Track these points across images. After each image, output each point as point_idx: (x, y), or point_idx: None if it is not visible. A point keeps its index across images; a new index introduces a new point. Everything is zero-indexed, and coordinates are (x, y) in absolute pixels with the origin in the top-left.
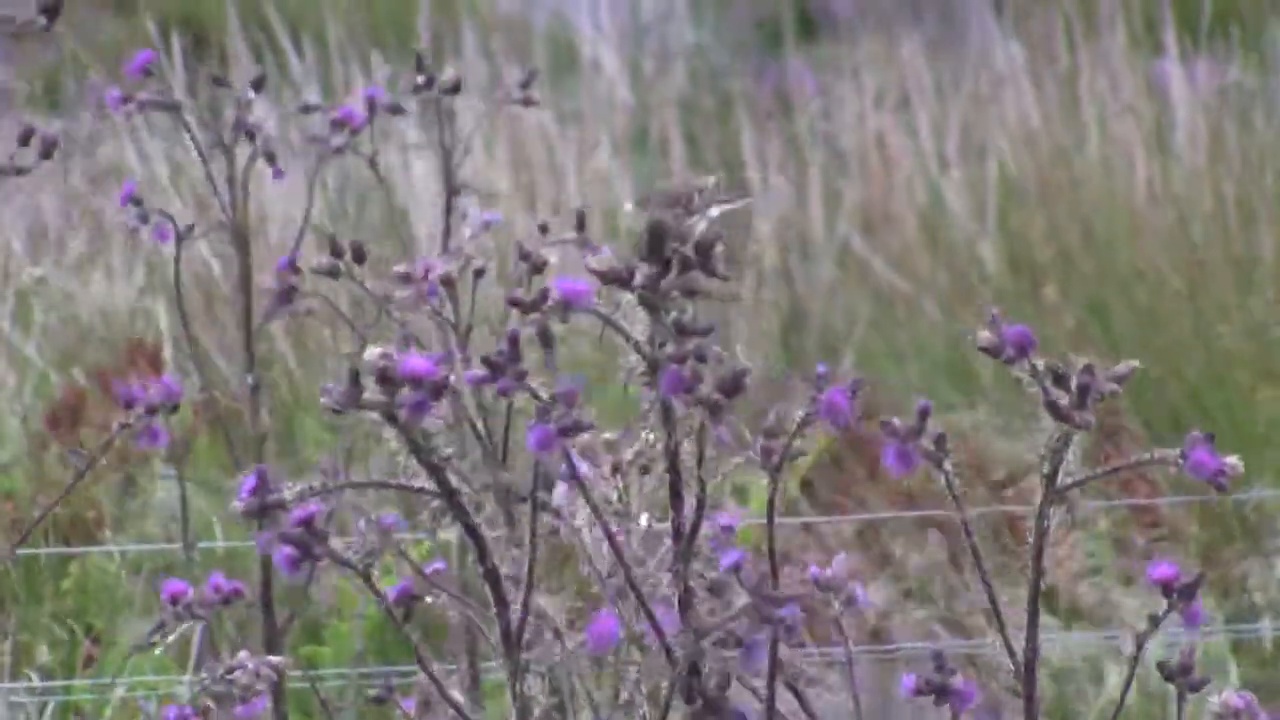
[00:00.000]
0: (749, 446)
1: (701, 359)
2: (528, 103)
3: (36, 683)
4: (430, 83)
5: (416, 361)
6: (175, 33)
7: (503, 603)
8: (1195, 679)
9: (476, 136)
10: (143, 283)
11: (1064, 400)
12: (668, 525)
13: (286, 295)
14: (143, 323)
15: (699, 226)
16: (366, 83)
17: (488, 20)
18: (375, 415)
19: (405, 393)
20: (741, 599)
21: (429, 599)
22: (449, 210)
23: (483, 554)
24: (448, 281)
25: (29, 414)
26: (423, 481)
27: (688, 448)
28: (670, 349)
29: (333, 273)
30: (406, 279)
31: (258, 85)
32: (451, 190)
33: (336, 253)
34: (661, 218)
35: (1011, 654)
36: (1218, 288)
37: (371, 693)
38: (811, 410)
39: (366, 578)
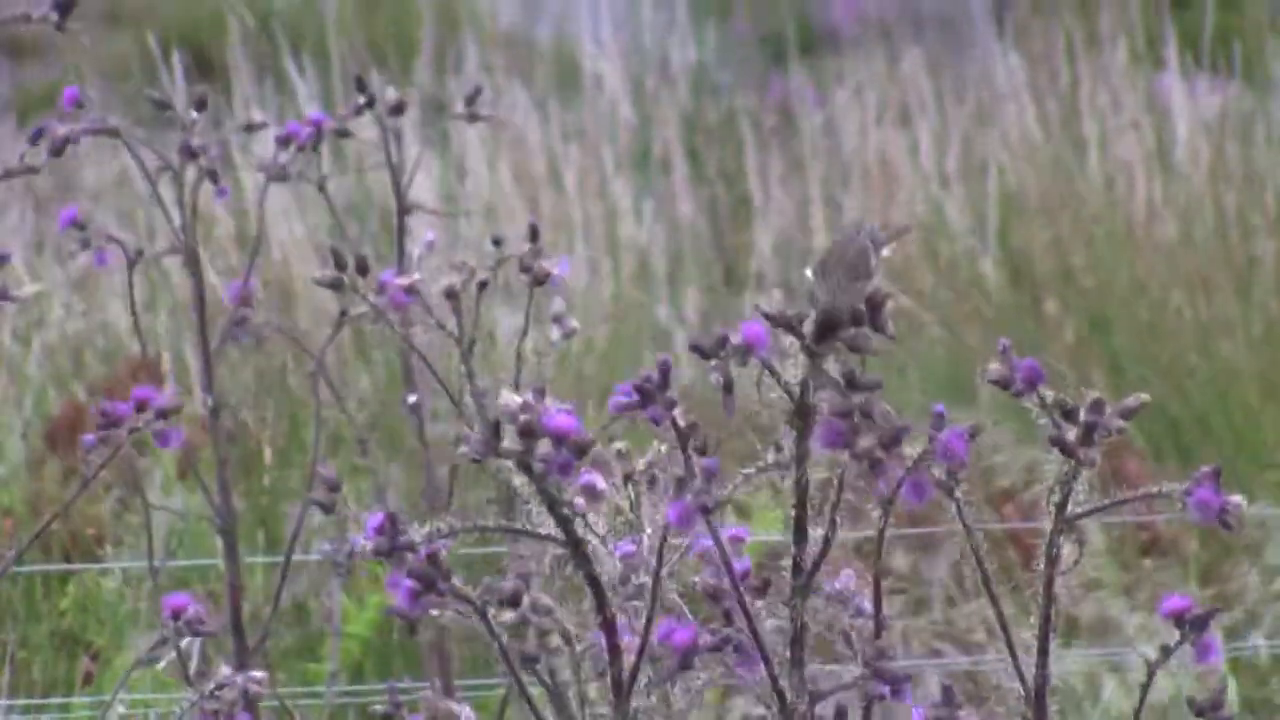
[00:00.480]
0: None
1: (867, 414)
2: (473, 118)
3: (35, 700)
4: (371, 102)
5: (562, 418)
6: (176, 49)
7: (615, 650)
8: (1224, 714)
9: (480, 152)
10: (145, 299)
11: (1071, 435)
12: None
13: (240, 323)
14: (139, 342)
15: (872, 286)
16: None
17: (490, 36)
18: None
19: (546, 448)
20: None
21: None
22: (401, 230)
23: (601, 603)
24: (451, 295)
25: (28, 430)
26: (548, 529)
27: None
28: (834, 399)
29: (335, 285)
30: (410, 291)
31: (200, 106)
32: (402, 209)
33: (340, 265)
34: (836, 305)
35: (1023, 680)
36: (1219, 303)
37: (378, 708)
38: (929, 450)
39: (483, 614)
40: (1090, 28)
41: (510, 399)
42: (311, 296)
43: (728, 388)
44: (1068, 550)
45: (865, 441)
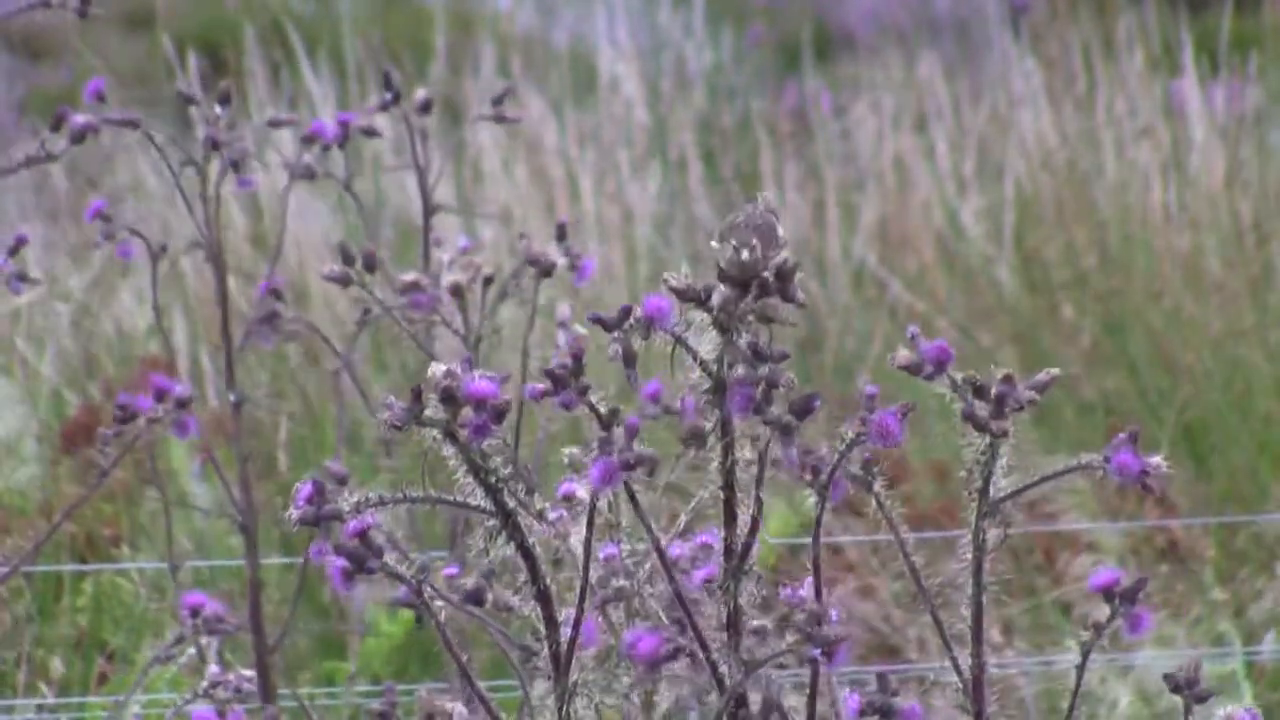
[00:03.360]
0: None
1: (774, 384)
2: (500, 119)
3: (51, 700)
4: (397, 98)
5: (481, 383)
6: (192, 52)
7: (553, 624)
8: (1202, 691)
9: (496, 155)
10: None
11: (984, 411)
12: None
13: (267, 319)
14: (158, 340)
15: (780, 255)
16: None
17: (506, 38)
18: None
19: (467, 413)
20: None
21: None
22: (427, 229)
23: (535, 575)
24: (456, 292)
25: (44, 432)
26: (479, 500)
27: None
28: (741, 371)
29: (344, 280)
30: (415, 288)
31: (224, 100)
32: (428, 210)
33: (348, 260)
34: (746, 262)
35: (959, 671)
36: (1235, 308)
37: (376, 708)
38: (861, 432)
39: (419, 592)
40: (1107, 33)
41: (436, 369)
42: (326, 297)
43: (628, 360)
44: (993, 535)
45: (777, 409)
